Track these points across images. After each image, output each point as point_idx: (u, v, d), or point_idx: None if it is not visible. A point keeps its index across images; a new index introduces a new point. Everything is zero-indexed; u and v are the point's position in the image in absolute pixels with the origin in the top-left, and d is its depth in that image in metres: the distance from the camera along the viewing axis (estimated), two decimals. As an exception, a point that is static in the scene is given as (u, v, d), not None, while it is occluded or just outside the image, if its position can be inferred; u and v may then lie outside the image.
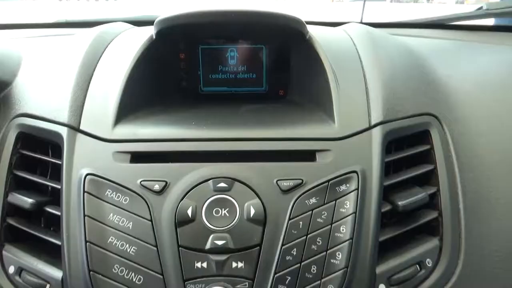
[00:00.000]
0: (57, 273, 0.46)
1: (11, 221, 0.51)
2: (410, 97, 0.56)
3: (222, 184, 0.47)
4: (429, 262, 0.48)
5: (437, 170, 0.53)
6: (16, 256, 0.49)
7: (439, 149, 0.54)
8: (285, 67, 0.66)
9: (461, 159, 0.55)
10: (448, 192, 0.51)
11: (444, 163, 0.53)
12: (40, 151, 0.54)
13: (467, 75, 0.67)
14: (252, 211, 0.45)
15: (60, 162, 0.50)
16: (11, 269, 0.48)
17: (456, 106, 0.60)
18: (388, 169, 0.52)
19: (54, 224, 0.52)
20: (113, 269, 0.44)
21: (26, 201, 0.50)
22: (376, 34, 0.67)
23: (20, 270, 0.48)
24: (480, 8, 1.03)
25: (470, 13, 1.07)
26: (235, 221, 0.45)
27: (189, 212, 0.45)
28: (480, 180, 0.54)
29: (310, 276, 0.43)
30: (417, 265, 0.48)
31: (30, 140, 0.55)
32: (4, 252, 0.49)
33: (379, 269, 0.46)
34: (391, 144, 0.53)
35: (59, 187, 0.50)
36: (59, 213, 0.48)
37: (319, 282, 0.43)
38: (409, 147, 0.55)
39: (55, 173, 0.52)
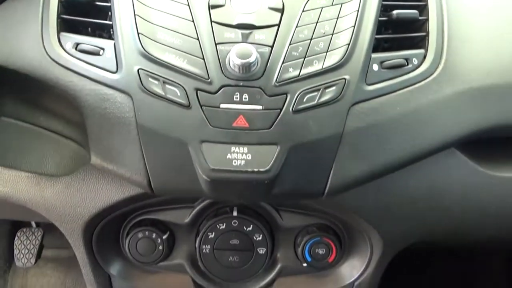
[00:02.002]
0: (109, 42, 0.56)
1: (65, 16, 0.59)
2: None
3: None
4: (415, 61, 0.58)
5: (428, 5, 0.62)
6: (72, 37, 0.58)
7: None
8: None
9: (451, 8, 0.64)
10: (435, 20, 0.61)
11: (435, 4, 0.62)
12: None
13: None
14: (273, 2, 0.55)
15: None
16: (68, 45, 0.57)
17: None
18: None
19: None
20: (157, 34, 0.53)
21: None
22: None
23: (76, 45, 0.57)
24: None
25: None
26: (259, 7, 0.54)
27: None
28: (465, 23, 0.64)
29: (318, 49, 0.53)
30: (405, 60, 0.57)
31: None
32: (60, 37, 0.58)
33: (374, 55, 0.56)
34: None
35: None
36: (109, 4, 0.58)
37: (325, 53, 0.53)
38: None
39: None
